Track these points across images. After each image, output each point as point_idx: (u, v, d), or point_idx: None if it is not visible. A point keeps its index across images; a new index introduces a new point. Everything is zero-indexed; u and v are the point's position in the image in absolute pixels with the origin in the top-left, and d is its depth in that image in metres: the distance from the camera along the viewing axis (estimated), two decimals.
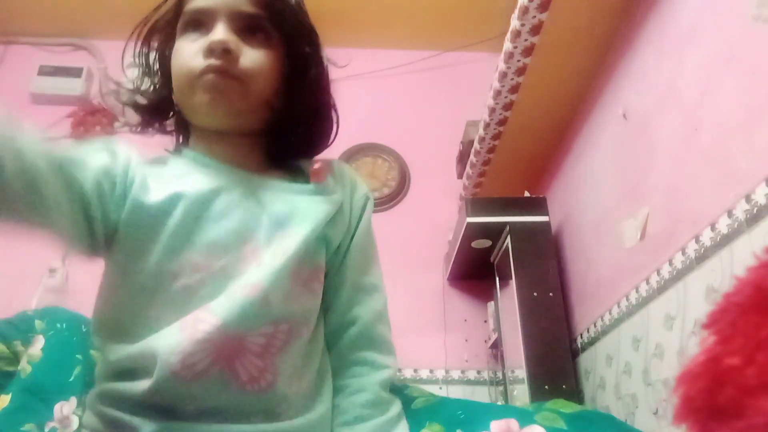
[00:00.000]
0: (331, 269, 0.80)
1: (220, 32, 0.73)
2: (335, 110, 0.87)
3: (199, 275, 0.69)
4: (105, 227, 0.71)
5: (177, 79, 0.77)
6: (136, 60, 0.86)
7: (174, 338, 0.65)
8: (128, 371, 0.68)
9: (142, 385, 0.65)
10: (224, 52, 0.72)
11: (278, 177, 0.80)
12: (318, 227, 0.74)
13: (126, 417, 0.66)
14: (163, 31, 0.83)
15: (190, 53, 0.75)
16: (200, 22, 0.76)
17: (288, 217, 0.74)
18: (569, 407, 0.71)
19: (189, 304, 0.68)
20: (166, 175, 0.75)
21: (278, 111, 0.79)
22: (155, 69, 0.84)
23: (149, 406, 0.65)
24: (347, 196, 0.82)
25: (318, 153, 0.86)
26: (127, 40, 0.87)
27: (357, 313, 0.79)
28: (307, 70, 0.81)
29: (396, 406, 0.75)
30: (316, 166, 0.81)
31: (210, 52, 0.73)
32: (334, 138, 0.88)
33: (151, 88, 0.84)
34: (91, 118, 2.65)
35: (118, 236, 0.71)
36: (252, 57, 0.75)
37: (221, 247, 0.70)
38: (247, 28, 0.76)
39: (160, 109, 0.85)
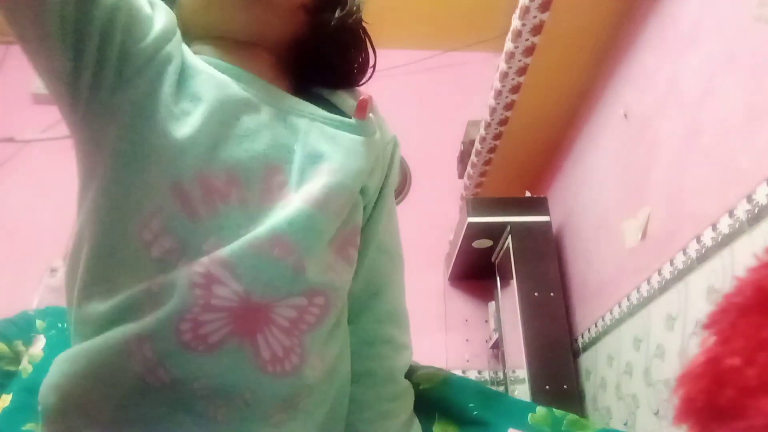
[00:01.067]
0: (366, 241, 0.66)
1: None
2: (369, 39, 0.72)
3: (214, 206, 0.53)
4: (99, 63, 0.53)
5: None
6: None
7: (183, 299, 0.50)
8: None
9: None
10: None
11: (317, 103, 0.64)
12: (362, 175, 0.61)
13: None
14: None
15: None
16: None
17: (327, 156, 0.59)
18: (585, 428, 0.68)
19: (197, 244, 0.53)
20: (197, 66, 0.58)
21: (312, 21, 0.65)
22: None
23: (144, 387, 0.51)
24: (382, 143, 0.67)
25: (352, 86, 0.70)
26: None
27: (381, 282, 0.68)
28: None
29: (411, 397, 0.68)
30: (362, 98, 0.67)
31: None
32: (372, 72, 0.73)
33: None
34: None
35: (114, 101, 0.54)
36: None
37: (243, 171, 0.55)
38: None
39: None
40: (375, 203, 0.67)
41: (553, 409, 0.71)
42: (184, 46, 0.59)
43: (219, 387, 0.52)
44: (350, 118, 0.64)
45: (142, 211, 0.53)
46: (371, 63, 0.72)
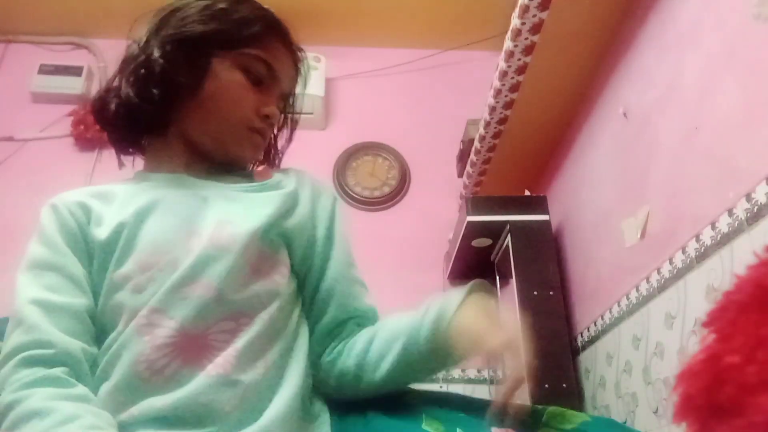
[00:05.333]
0: (312, 267, 0.81)
1: (276, 106, 0.85)
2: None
3: (149, 273, 0.70)
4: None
5: (226, 108, 0.80)
6: (153, 53, 0.79)
7: (136, 347, 0.66)
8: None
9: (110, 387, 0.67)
10: (270, 125, 0.85)
11: (224, 180, 0.83)
12: (268, 218, 0.75)
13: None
14: (216, 38, 0.80)
15: (245, 101, 0.81)
16: (264, 81, 0.82)
17: (234, 211, 0.75)
18: (570, 421, 0.69)
19: (142, 303, 0.68)
20: (114, 208, 0.77)
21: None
22: (188, 69, 0.78)
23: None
24: (308, 194, 0.83)
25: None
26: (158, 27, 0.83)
27: (356, 305, 0.82)
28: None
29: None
30: (259, 168, 0.87)
31: (266, 119, 0.83)
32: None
33: (155, 94, 0.78)
34: (91, 117, 2.64)
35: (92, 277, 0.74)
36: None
37: (166, 242, 0.71)
38: (279, 108, 0.87)
39: (156, 122, 0.81)
40: (330, 248, 0.82)
41: (534, 405, 0.72)
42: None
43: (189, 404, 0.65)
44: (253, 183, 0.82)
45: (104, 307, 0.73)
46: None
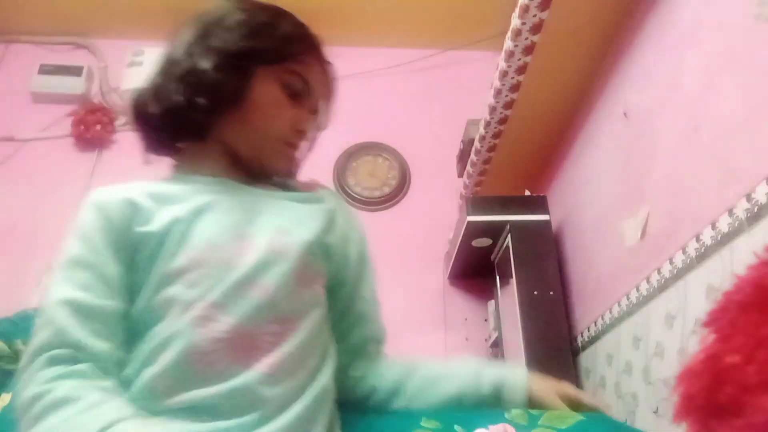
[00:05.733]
0: (344, 285, 0.87)
1: (310, 121, 0.88)
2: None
3: (202, 269, 0.72)
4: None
5: (265, 122, 0.84)
6: (210, 60, 0.81)
7: (190, 337, 0.69)
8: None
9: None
10: (300, 139, 0.88)
11: (268, 187, 0.88)
12: (318, 231, 0.81)
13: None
14: (256, 54, 0.83)
15: (283, 116, 0.85)
16: (301, 96, 0.86)
17: (287, 221, 0.80)
18: (564, 421, 0.71)
19: (196, 297, 0.71)
20: (165, 205, 0.78)
21: None
22: (232, 85, 0.81)
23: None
24: (343, 215, 0.89)
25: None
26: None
27: (380, 327, 0.92)
28: None
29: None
30: (306, 179, 0.93)
31: (298, 134, 0.87)
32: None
33: (205, 101, 0.80)
34: (91, 117, 2.65)
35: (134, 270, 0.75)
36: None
37: (219, 241, 0.75)
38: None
39: (200, 128, 0.83)
40: (361, 270, 0.89)
41: (529, 410, 0.75)
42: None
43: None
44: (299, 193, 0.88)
45: (153, 300, 0.74)
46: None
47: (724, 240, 1.20)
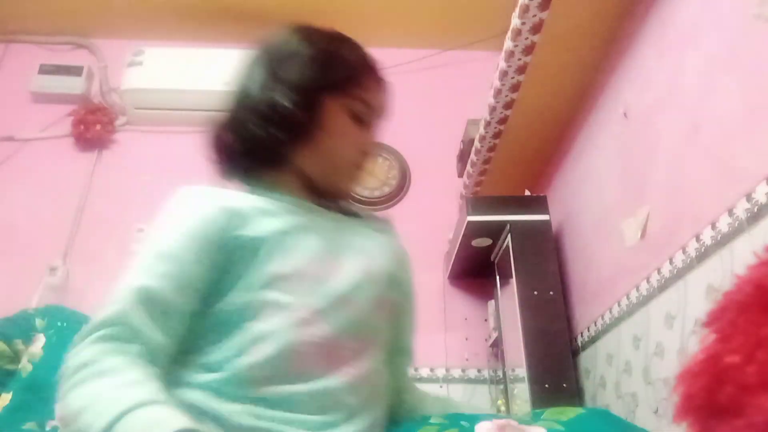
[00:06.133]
0: (399, 320, 0.94)
1: (377, 143, 0.95)
2: None
3: (301, 279, 0.79)
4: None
5: (335, 150, 0.89)
6: (297, 99, 0.86)
7: (289, 336, 0.74)
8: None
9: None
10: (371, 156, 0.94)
11: (349, 213, 0.96)
12: (395, 264, 0.90)
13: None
14: (324, 85, 0.88)
15: (352, 141, 0.90)
16: (366, 119, 0.92)
17: (375, 249, 0.88)
18: (565, 414, 0.72)
19: (295, 302, 0.77)
20: (268, 217, 0.83)
21: None
22: (305, 114, 0.86)
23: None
24: (403, 249, 0.98)
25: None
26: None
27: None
28: None
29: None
30: (387, 216, 1.03)
31: (366, 155, 0.92)
32: None
33: (291, 132, 0.86)
34: (91, 117, 2.65)
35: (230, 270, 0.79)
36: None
37: (318, 257, 0.81)
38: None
39: (279, 158, 0.89)
40: (410, 301, 0.99)
41: (534, 409, 0.78)
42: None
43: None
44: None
45: (257, 299, 0.79)
46: None
47: (724, 240, 1.20)
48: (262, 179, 0.90)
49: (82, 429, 0.62)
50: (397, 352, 0.95)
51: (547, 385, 1.78)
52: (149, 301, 0.72)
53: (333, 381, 0.75)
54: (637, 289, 1.57)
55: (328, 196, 0.92)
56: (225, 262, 0.78)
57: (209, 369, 0.74)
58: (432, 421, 0.78)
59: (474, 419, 0.72)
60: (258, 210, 0.81)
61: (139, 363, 0.69)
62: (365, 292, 0.82)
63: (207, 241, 0.77)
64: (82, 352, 0.68)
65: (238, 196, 0.83)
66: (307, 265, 0.79)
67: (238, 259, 0.78)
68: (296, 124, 0.85)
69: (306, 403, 0.73)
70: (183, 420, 0.61)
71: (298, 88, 0.85)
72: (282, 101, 0.84)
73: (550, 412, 0.75)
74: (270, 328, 0.75)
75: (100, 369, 0.66)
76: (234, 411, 0.71)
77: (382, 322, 0.86)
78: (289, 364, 0.74)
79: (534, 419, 0.74)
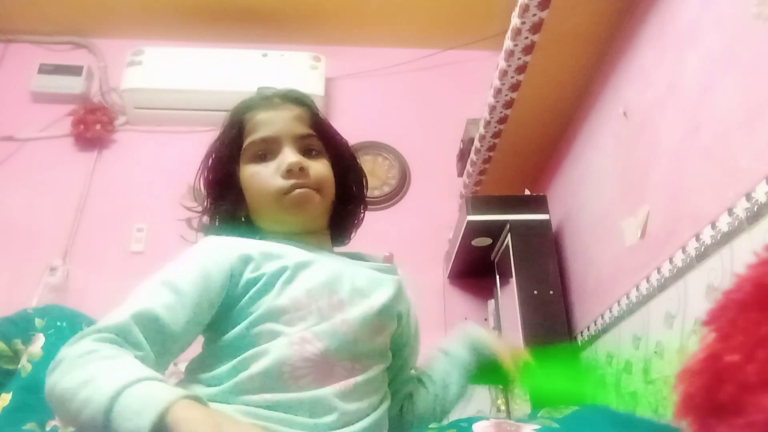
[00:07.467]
0: (401, 353, 1.00)
1: (291, 155, 0.92)
2: (364, 200, 1.07)
3: (300, 312, 0.83)
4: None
5: (260, 197, 0.93)
6: (204, 188, 1.00)
7: (285, 351, 0.79)
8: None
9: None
10: (301, 170, 0.91)
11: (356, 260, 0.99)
12: (392, 295, 0.92)
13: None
14: (227, 159, 0.97)
15: (267, 175, 0.92)
16: (268, 149, 0.93)
17: (368, 285, 0.91)
18: (561, 411, 0.72)
19: (293, 331, 0.82)
20: (273, 258, 0.88)
21: (334, 209, 1.00)
22: (229, 188, 0.96)
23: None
24: (408, 290, 1.01)
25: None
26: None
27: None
28: (349, 173, 1.02)
29: None
30: (386, 253, 1.06)
31: (289, 172, 0.91)
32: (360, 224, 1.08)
33: (226, 205, 0.96)
34: (91, 117, 2.65)
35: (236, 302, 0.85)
36: (317, 169, 0.94)
37: (317, 292, 0.85)
38: (305, 147, 0.95)
39: (235, 220, 0.97)
40: (413, 335, 1.04)
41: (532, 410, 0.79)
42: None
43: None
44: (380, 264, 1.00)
45: (256, 327, 0.84)
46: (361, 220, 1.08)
47: (724, 239, 1.20)
48: (260, 230, 0.97)
49: (83, 404, 0.63)
50: (401, 370, 1.01)
51: None
52: (150, 321, 0.75)
53: (325, 391, 0.80)
54: (637, 289, 1.57)
55: (299, 231, 0.95)
56: (230, 300, 0.84)
57: (210, 384, 0.79)
58: (431, 426, 0.82)
59: (472, 419, 0.73)
60: (264, 254, 0.87)
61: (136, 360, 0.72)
62: (362, 320, 0.86)
63: (218, 285, 0.82)
64: (81, 343, 0.71)
65: (249, 243, 0.89)
66: (305, 299, 0.84)
67: (246, 295, 0.84)
68: (237, 203, 0.95)
69: (300, 407, 0.78)
70: (184, 392, 0.64)
71: (218, 183, 0.97)
72: (211, 179, 0.98)
73: (546, 410, 0.75)
74: (268, 348, 0.80)
75: (102, 355, 0.69)
76: (233, 411, 0.74)
77: (376, 348, 0.90)
78: (282, 377, 0.78)
79: (531, 417, 0.74)
